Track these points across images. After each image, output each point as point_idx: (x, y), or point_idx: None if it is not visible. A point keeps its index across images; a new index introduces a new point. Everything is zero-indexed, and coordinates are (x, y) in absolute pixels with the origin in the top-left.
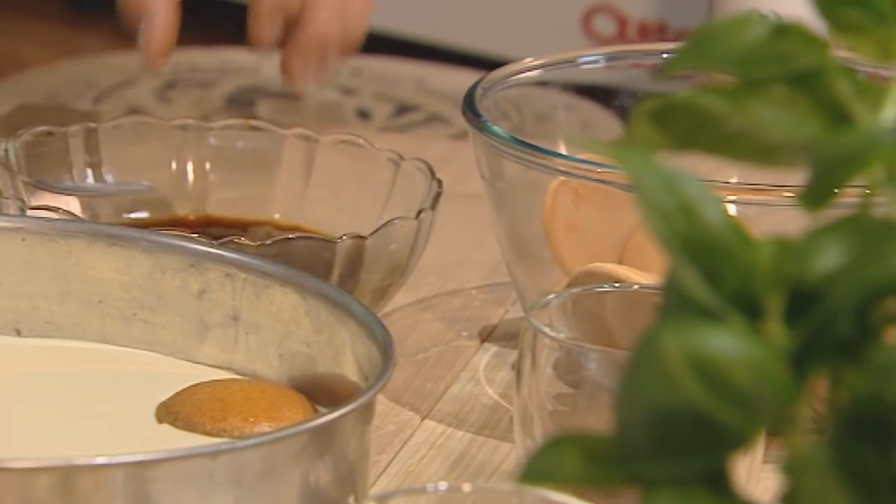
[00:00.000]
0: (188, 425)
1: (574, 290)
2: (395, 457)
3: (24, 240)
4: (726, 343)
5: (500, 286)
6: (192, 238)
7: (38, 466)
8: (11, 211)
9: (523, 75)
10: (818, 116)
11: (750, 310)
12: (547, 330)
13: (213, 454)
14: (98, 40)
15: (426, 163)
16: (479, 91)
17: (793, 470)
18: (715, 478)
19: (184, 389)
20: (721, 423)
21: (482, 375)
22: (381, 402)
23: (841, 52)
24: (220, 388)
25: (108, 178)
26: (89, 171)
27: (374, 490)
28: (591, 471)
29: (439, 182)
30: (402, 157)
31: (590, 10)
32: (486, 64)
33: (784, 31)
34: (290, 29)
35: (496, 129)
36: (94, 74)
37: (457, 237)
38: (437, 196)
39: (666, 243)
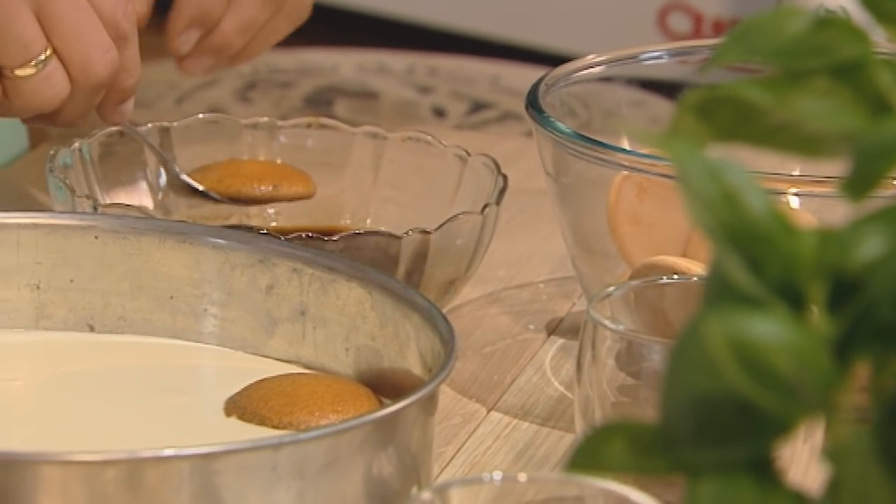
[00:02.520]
0: (255, 419)
1: (634, 283)
2: (460, 448)
3: (96, 237)
4: (769, 330)
5: (568, 280)
6: (260, 234)
7: (105, 459)
8: (84, 209)
9: (587, 72)
10: (860, 107)
11: (793, 298)
12: (606, 322)
13: (277, 446)
14: None
15: (492, 159)
16: (542, 88)
17: (836, 457)
18: (759, 465)
19: (251, 384)
20: (764, 409)
21: (548, 368)
22: (448, 394)
23: (884, 44)
24: (286, 383)
25: (182, 176)
26: (162, 170)
27: (438, 481)
28: (637, 459)
29: (504, 177)
30: (468, 154)
31: (665, 8)
32: (560, 62)
33: (826, 23)
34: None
35: (560, 125)
36: (176, 76)
37: (526, 231)
38: (502, 191)
39: (710, 232)
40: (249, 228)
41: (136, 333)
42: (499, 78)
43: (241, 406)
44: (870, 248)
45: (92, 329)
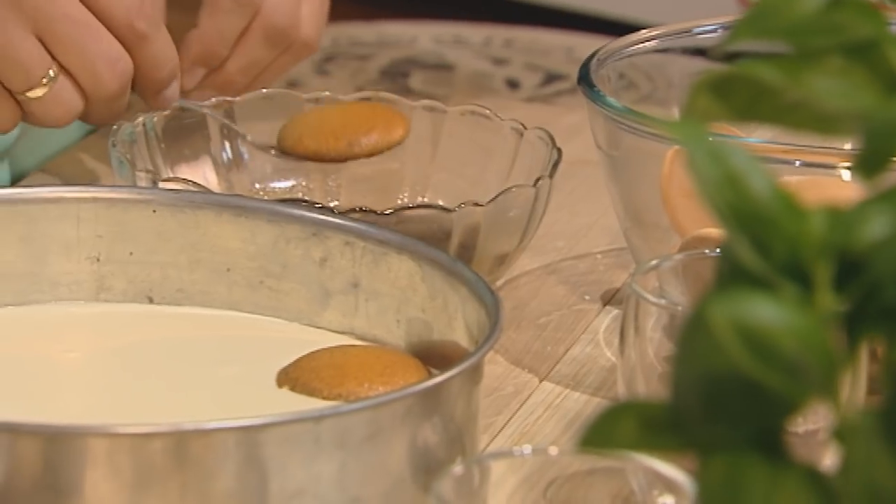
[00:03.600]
0: (307, 390)
1: (681, 255)
2: (511, 418)
3: (154, 211)
4: (771, 312)
5: (626, 251)
6: (314, 207)
7: (150, 431)
8: (143, 184)
9: (640, 45)
10: (873, 86)
11: (800, 278)
12: (648, 295)
13: (318, 419)
14: None
15: (547, 132)
16: (594, 63)
17: (843, 437)
18: (768, 442)
19: (303, 356)
20: (770, 390)
21: (601, 338)
22: (501, 365)
23: None
24: (337, 355)
25: (244, 151)
26: (226, 144)
27: (485, 451)
28: (648, 436)
29: (559, 151)
30: (525, 127)
31: None
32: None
33: (840, 2)
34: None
35: (611, 100)
36: None
37: (586, 203)
38: (556, 164)
39: (718, 213)
40: (304, 202)
41: (194, 305)
42: (573, 49)
43: (292, 378)
44: (875, 228)
45: (151, 301)
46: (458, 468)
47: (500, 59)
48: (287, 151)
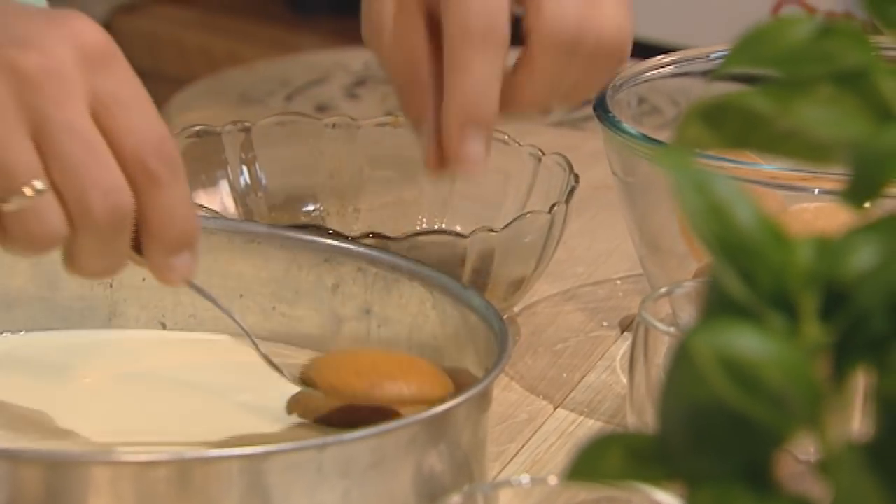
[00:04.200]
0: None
1: (690, 282)
2: (523, 446)
3: None
4: (756, 343)
5: (645, 277)
6: (327, 234)
7: (153, 460)
8: None
9: (656, 71)
10: (864, 115)
11: (786, 308)
12: (657, 323)
13: (321, 447)
14: (316, 40)
15: (565, 157)
16: (610, 88)
17: (829, 469)
18: (756, 473)
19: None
20: (756, 421)
21: (618, 365)
22: (516, 392)
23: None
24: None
25: (262, 175)
26: (244, 169)
27: (491, 479)
28: (635, 467)
29: (576, 176)
30: (542, 153)
31: (780, 1)
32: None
33: (830, 30)
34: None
35: (626, 126)
36: (288, 73)
37: (607, 228)
38: (572, 190)
39: (704, 243)
40: (318, 228)
41: (207, 331)
42: None
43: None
44: (863, 258)
45: (163, 327)
46: (455, 498)
47: None
48: (307, 381)
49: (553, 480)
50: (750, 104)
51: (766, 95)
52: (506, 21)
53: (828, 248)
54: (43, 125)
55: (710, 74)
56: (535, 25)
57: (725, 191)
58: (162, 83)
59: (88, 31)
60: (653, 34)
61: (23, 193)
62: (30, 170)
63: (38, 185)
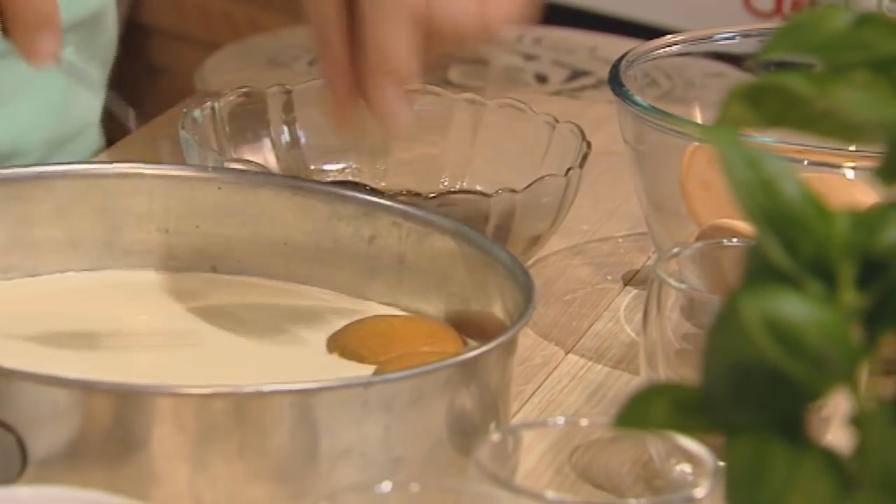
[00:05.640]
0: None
1: (699, 244)
2: (539, 387)
3: (219, 188)
4: (798, 308)
5: (645, 235)
6: (366, 189)
7: (213, 392)
8: (211, 163)
9: (665, 50)
10: None
11: (825, 276)
12: (670, 280)
13: (367, 384)
14: None
15: (578, 126)
16: (623, 64)
17: (860, 424)
18: (792, 426)
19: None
20: (794, 378)
21: (622, 315)
22: (530, 337)
23: None
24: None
25: (301, 135)
26: (285, 129)
27: (514, 419)
28: (679, 418)
29: (588, 143)
30: (557, 121)
31: None
32: (653, 33)
33: (866, 20)
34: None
35: (639, 98)
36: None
37: (609, 190)
38: (586, 156)
39: (751, 215)
40: (356, 185)
41: (253, 275)
42: (597, 48)
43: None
44: (895, 232)
45: (214, 270)
46: (495, 436)
47: (530, 56)
48: (334, 350)
49: (584, 423)
50: (790, 86)
51: (805, 78)
52: None
53: (864, 221)
54: None
55: (717, 53)
56: None
57: (774, 166)
58: (187, 45)
59: None
60: (633, 13)
61: None
62: None
63: None
